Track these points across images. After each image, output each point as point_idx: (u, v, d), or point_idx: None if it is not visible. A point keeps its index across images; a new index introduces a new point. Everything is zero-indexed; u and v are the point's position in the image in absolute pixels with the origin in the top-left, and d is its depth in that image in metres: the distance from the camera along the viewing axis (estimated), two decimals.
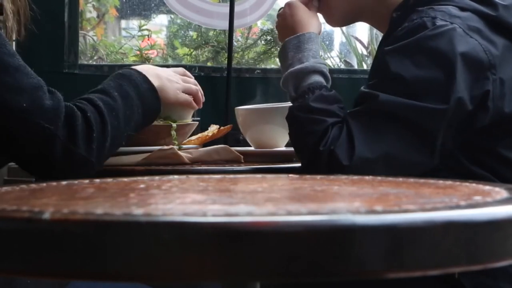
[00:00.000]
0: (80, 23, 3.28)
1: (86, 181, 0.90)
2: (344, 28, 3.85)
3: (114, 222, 0.54)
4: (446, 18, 1.40)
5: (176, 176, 0.95)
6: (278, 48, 3.41)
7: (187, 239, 0.53)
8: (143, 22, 3.94)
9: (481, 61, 1.38)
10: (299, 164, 1.62)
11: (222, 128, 1.75)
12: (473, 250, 0.58)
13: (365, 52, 3.84)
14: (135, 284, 1.25)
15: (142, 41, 3.87)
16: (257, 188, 0.81)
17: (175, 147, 1.55)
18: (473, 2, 1.45)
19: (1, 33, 1.26)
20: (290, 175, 0.98)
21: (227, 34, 2.85)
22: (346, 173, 1.19)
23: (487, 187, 0.78)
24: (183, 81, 1.59)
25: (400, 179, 0.90)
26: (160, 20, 4.50)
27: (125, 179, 0.91)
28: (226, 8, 2.74)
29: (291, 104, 1.58)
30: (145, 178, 0.93)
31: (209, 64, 3.38)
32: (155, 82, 1.47)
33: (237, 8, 2.74)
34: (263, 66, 3.31)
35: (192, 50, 3.48)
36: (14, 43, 1.44)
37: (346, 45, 4.04)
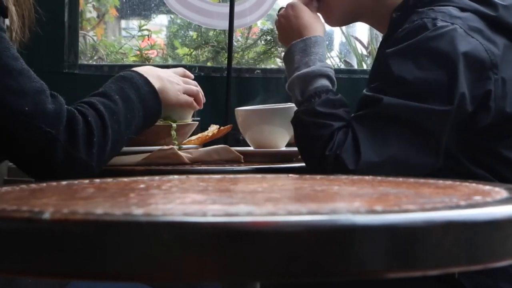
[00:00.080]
0: (80, 23, 3.28)
1: (86, 181, 0.90)
2: (344, 28, 3.85)
3: (114, 222, 0.54)
4: (447, 19, 1.40)
5: (176, 176, 0.95)
6: (278, 48, 3.43)
7: (187, 239, 0.53)
8: (143, 22, 3.94)
9: (483, 61, 1.38)
10: (299, 164, 1.62)
11: (222, 128, 1.75)
12: (473, 250, 0.58)
13: (365, 52, 3.84)
14: (135, 284, 1.25)
15: (142, 41, 3.87)
16: (257, 188, 0.81)
17: (175, 147, 1.55)
18: (473, 3, 1.45)
19: (5, 36, 1.26)
20: (290, 175, 0.98)
21: (227, 34, 2.85)
22: None
23: (487, 187, 0.78)
24: (184, 82, 1.59)
25: (400, 179, 0.90)
26: (160, 20, 4.50)
27: (125, 179, 0.91)
28: (226, 8, 2.74)
29: (291, 105, 1.57)
30: (145, 178, 0.93)
31: (209, 64, 3.38)
32: (156, 84, 1.47)
33: (237, 8, 2.74)
34: (263, 66, 3.31)
35: (192, 50, 3.48)
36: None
37: (346, 45, 4.04)
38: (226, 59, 2.78)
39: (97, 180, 0.91)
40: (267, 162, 1.65)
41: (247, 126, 1.74)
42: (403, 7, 1.52)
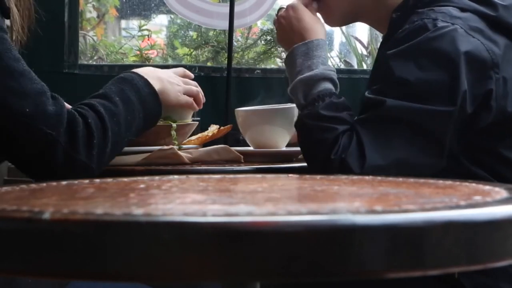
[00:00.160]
0: (80, 23, 3.28)
1: (86, 181, 0.90)
2: (344, 28, 3.85)
3: (114, 222, 0.54)
4: (447, 19, 1.40)
5: (176, 176, 0.95)
6: (278, 48, 3.43)
7: (187, 239, 0.53)
8: (143, 22, 3.94)
9: (484, 60, 1.38)
10: (299, 164, 1.62)
11: (222, 128, 1.75)
12: (473, 250, 0.58)
13: (365, 52, 3.84)
14: (135, 284, 1.25)
15: (142, 41, 3.87)
16: (257, 188, 0.81)
17: (175, 147, 1.55)
18: (473, 3, 1.45)
19: (7, 38, 1.26)
20: (290, 175, 0.98)
21: (227, 34, 2.85)
22: None
23: (487, 187, 0.78)
24: (184, 82, 1.59)
25: (400, 179, 0.90)
26: (160, 20, 4.50)
27: (125, 179, 0.91)
28: (226, 8, 2.74)
29: (291, 105, 1.57)
30: (145, 178, 0.93)
31: (209, 64, 3.38)
32: (156, 85, 1.47)
33: (237, 8, 2.74)
34: (263, 66, 3.31)
35: (192, 50, 3.48)
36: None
37: (346, 45, 4.04)
38: (226, 59, 2.78)
39: (97, 180, 0.91)
40: (267, 162, 1.65)
41: (247, 126, 1.74)
42: (403, 7, 1.52)
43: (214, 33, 3.40)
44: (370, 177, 0.92)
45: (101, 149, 1.29)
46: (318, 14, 1.66)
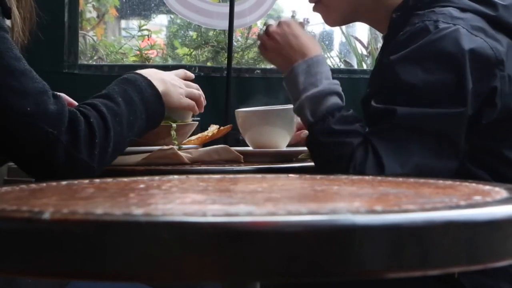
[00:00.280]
0: (80, 23, 3.28)
1: (86, 181, 0.90)
2: (344, 28, 3.85)
3: (114, 222, 0.54)
4: (448, 21, 1.39)
5: (176, 176, 0.95)
6: None
7: (187, 239, 0.53)
8: (143, 22, 3.94)
9: (489, 58, 1.38)
10: (299, 164, 1.62)
11: (222, 128, 1.75)
12: (473, 250, 0.58)
13: (364, 52, 3.84)
14: (135, 284, 1.25)
15: (142, 41, 3.87)
16: (257, 188, 0.81)
17: (175, 147, 1.55)
18: (473, 3, 1.45)
19: (8, 37, 1.26)
20: (290, 175, 0.98)
21: (227, 34, 2.85)
22: None
23: (487, 187, 0.78)
24: (186, 85, 1.59)
25: (400, 179, 0.90)
26: (160, 20, 4.50)
27: (125, 179, 0.91)
28: (226, 8, 2.74)
29: (291, 106, 1.56)
30: (145, 178, 0.93)
31: (209, 64, 3.38)
32: (160, 87, 1.47)
33: (237, 8, 2.74)
34: (263, 66, 3.31)
35: (192, 50, 3.48)
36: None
37: (346, 45, 4.04)
38: (226, 59, 2.78)
39: (97, 180, 0.91)
40: (267, 162, 1.65)
41: (247, 127, 1.74)
42: (403, 7, 1.52)
43: (214, 33, 3.41)
44: (370, 177, 0.92)
45: (103, 149, 1.29)
46: (318, 14, 1.66)
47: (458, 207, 0.61)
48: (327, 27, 3.99)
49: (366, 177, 0.91)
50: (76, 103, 1.45)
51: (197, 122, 1.70)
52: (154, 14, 4.16)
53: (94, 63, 3.65)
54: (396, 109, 1.35)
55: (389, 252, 0.55)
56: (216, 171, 1.48)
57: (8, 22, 1.34)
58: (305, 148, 1.70)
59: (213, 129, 1.75)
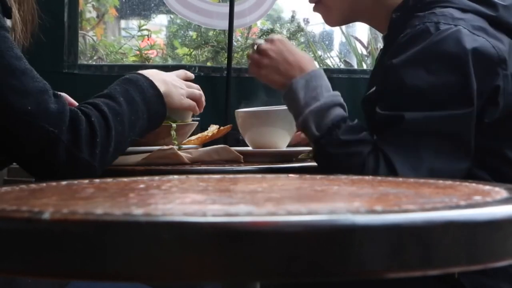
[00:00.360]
0: (79, 23, 3.28)
1: (86, 181, 0.90)
2: (344, 28, 3.85)
3: (114, 222, 0.54)
4: (449, 22, 1.39)
5: (176, 176, 0.95)
6: None
7: (187, 239, 0.53)
8: (142, 22, 3.95)
9: (491, 57, 1.38)
10: (299, 164, 1.62)
11: (221, 128, 1.75)
12: (473, 250, 0.58)
13: (364, 52, 3.84)
14: (135, 284, 1.25)
15: (142, 41, 3.87)
16: (257, 188, 0.81)
17: (175, 147, 1.55)
18: (473, 3, 1.45)
19: (9, 36, 1.26)
20: (290, 175, 0.98)
21: (226, 34, 2.85)
22: None
23: (487, 187, 0.78)
24: (187, 86, 1.59)
25: (400, 179, 0.90)
26: (160, 20, 4.50)
27: (125, 179, 0.91)
28: (225, 8, 2.74)
29: None
30: (145, 178, 0.93)
31: (208, 64, 3.38)
32: (161, 88, 1.47)
33: (237, 8, 2.74)
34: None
35: (191, 50, 3.48)
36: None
37: (346, 45, 4.04)
38: (226, 59, 2.78)
39: (97, 180, 0.91)
40: (267, 162, 1.65)
41: (247, 127, 1.74)
42: (403, 8, 1.51)
43: (214, 33, 3.41)
44: (370, 177, 0.92)
45: (104, 148, 1.29)
46: (318, 14, 1.66)
47: (458, 207, 0.61)
48: (327, 27, 3.99)
49: (366, 177, 0.91)
50: (76, 103, 1.45)
51: (197, 122, 1.70)
52: (154, 14, 4.16)
53: (94, 63, 3.65)
54: (403, 114, 1.35)
55: (389, 252, 0.55)
56: (216, 171, 1.48)
57: (8, 22, 1.34)
58: (305, 148, 1.70)
59: (213, 129, 1.75)
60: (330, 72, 2.92)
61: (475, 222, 0.58)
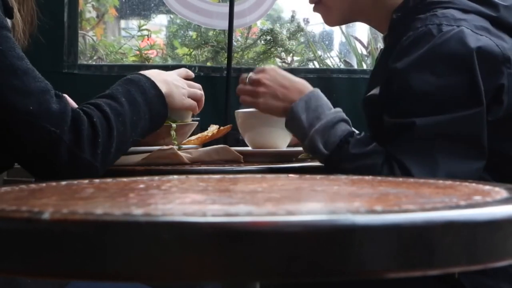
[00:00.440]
0: (79, 23, 3.28)
1: (86, 181, 0.90)
2: (344, 28, 3.85)
3: (113, 222, 0.54)
4: (452, 23, 1.39)
5: (175, 176, 0.95)
6: (278, 48, 3.43)
7: (187, 239, 0.53)
8: (142, 22, 3.95)
9: (496, 56, 1.38)
10: (299, 164, 1.62)
11: (221, 128, 1.75)
12: (473, 250, 0.58)
13: (364, 52, 3.84)
14: (135, 284, 1.25)
15: (142, 41, 3.87)
16: (257, 188, 0.81)
17: (175, 147, 1.55)
18: (474, 3, 1.45)
19: (11, 36, 1.26)
20: (290, 175, 0.98)
21: (226, 34, 2.85)
22: None
23: (487, 187, 0.78)
24: (188, 85, 1.59)
25: (400, 179, 0.89)
26: (160, 20, 4.50)
27: (125, 179, 0.91)
28: (225, 8, 2.74)
29: None
30: (145, 178, 0.93)
31: (208, 64, 3.38)
32: (163, 88, 1.47)
33: (236, 8, 2.74)
34: (262, 66, 3.31)
35: (191, 50, 3.48)
36: None
37: (346, 45, 4.04)
38: (226, 59, 2.78)
39: (97, 180, 0.91)
40: (267, 162, 1.65)
41: (247, 128, 1.74)
42: (403, 8, 1.51)
43: (214, 33, 3.41)
44: (370, 177, 0.92)
45: (106, 149, 1.29)
46: (318, 14, 1.65)
47: (458, 207, 0.61)
48: (327, 27, 3.99)
49: (366, 177, 0.91)
50: (76, 105, 1.45)
51: (197, 122, 1.70)
52: (153, 14, 4.16)
53: (94, 63, 3.65)
54: (414, 121, 1.34)
55: (389, 252, 0.55)
56: (216, 171, 1.48)
57: (9, 22, 1.34)
58: None
59: (213, 129, 1.75)
60: (330, 72, 2.93)
61: (475, 222, 0.58)
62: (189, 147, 1.63)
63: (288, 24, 3.66)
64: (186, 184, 0.87)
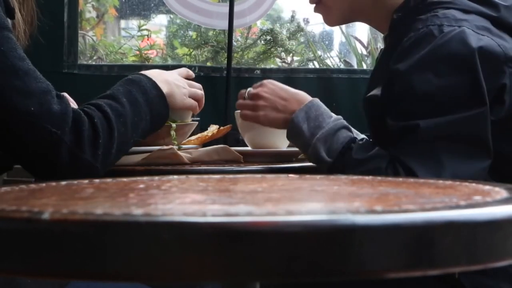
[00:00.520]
0: (79, 23, 3.28)
1: (86, 181, 0.90)
2: (343, 28, 3.85)
3: (113, 222, 0.54)
4: (453, 23, 1.38)
5: (175, 176, 0.95)
6: (278, 48, 3.43)
7: (187, 239, 0.53)
8: (142, 22, 3.94)
9: (497, 55, 1.37)
10: (299, 164, 1.62)
11: (221, 128, 1.75)
12: (473, 250, 0.58)
13: (364, 52, 3.84)
14: (135, 284, 1.25)
15: (142, 41, 3.87)
16: (257, 188, 0.81)
17: (175, 147, 1.55)
18: (475, 4, 1.45)
19: (12, 37, 1.26)
20: (290, 175, 0.98)
21: (226, 34, 2.85)
22: None
23: (487, 187, 0.78)
24: (189, 85, 1.59)
25: (400, 179, 0.89)
26: (160, 20, 4.50)
27: (125, 179, 0.91)
28: (225, 8, 2.74)
29: None
30: (145, 178, 0.93)
31: (208, 64, 3.38)
32: (164, 88, 1.47)
33: (236, 8, 2.74)
34: (262, 66, 3.31)
35: (191, 50, 3.48)
36: None
37: (346, 45, 4.04)
38: (226, 59, 2.78)
39: (97, 180, 0.91)
40: (267, 162, 1.65)
41: (246, 128, 1.74)
42: (404, 8, 1.51)
43: (214, 33, 3.40)
44: (370, 177, 0.92)
45: (107, 149, 1.29)
46: (318, 14, 1.65)
47: (458, 207, 0.61)
48: (327, 27, 3.99)
49: (366, 177, 0.91)
50: (75, 103, 1.45)
51: (197, 122, 1.70)
52: (153, 14, 4.15)
53: (94, 63, 3.65)
54: (418, 123, 1.34)
55: (389, 252, 0.55)
56: (216, 171, 1.48)
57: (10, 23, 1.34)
58: None
59: (213, 129, 1.75)
60: (330, 72, 2.93)
61: (475, 222, 0.58)
62: (189, 147, 1.63)
63: (288, 24, 3.66)
64: (186, 184, 0.87)
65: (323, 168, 1.47)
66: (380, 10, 1.56)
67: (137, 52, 3.60)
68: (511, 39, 1.44)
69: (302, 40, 3.67)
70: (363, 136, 1.59)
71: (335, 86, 2.78)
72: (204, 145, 1.70)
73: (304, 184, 0.88)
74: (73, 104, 1.51)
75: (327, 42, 4.25)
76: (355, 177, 0.94)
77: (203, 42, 3.43)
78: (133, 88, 1.41)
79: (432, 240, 0.56)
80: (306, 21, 3.79)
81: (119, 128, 1.32)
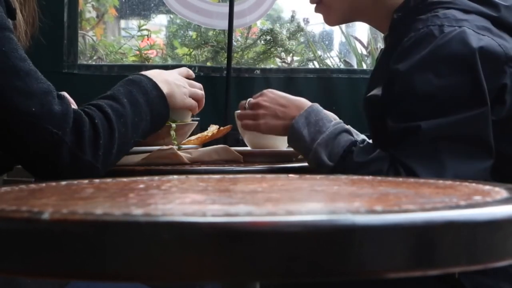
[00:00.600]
0: (79, 23, 3.28)
1: (86, 181, 0.90)
2: (343, 28, 3.85)
3: (113, 222, 0.54)
4: (453, 23, 1.38)
5: (175, 176, 0.95)
6: (278, 48, 3.43)
7: (187, 239, 0.53)
8: (142, 22, 3.94)
9: (498, 55, 1.37)
10: (299, 164, 1.62)
11: (221, 128, 1.75)
12: (473, 250, 0.58)
13: (364, 52, 3.84)
14: (135, 284, 1.25)
15: (142, 41, 3.87)
16: (257, 188, 0.81)
17: (175, 147, 1.55)
18: (475, 4, 1.45)
19: (13, 37, 1.26)
20: (290, 175, 0.98)
21: (226, 34, 2.85)
22: None
23: (487, 187, 0.78)
24: (189, 85, 1.59)
25: (400, 179, 0.89)
26: (160, 20, 4.50)
27: (125, 179, 0.91)
28: (225, 8, 2.74)
29: None
30: (145, 178, 0.93)
31: (208, 64, 3.38)
32: (164, 89, 1.47)
33: (236, 8, 2.74)
34: (262, 66, 3.31)
35: (191, 50, 3.48)
36: None
37: (346, 45, 4.04)
38: (226, 59, 2.78)
39: (97, 180, 0.91)
40: (267, 162, 1.65)
41: None
42: (404, 8, 1.51)
43: (214, 33, 3.40)
44: (370, 177, 0.92)
45: (108, 150, 1.29)
46: (318, 14, 1.65)
47: (458, 207, 0.61)
48: (327, 27, 3.99)
49: (366, 177, 0.91)
50: (74, 102, 1.45)
51: (197, 122, 1.70)
52: (153, 14, 4.15)
53: (94, 63, 3.65)
54: (419, 124, 1.33)
55: (389, 252, 0.55)
56: (216, 171, 1.48)
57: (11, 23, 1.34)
58: None
59: (213, 129, 1.75)
60: (330, 72, 2.93)
61: (475, 222, 0.58)
62: (189, 147, 1.63)
63: (288, 24, 3.66)
64: (186, 184, 0.87)
65: (324, 172, 1.47)
66: (380, 10, 1.56)
67: (137, 52, 3.60)
68: (511, 39, 1.44)
69: (302, 40, 3.67)
70: (363, 136, 1.60)
71: (335, 86, 2.78)
72: (204, 145, 1.70)
73: (304, 184, 0.88)
74: (73, 104, 1.51)
75: (327, 42, 4.25)
76: (355, 177, 0.94)
77: (203, 42, 3.43)
78: (134, 89, 1.41)
79: (432, 240, 0.56)
80: (306, 21, 3.79)
81: (119, 129, 1.32)
